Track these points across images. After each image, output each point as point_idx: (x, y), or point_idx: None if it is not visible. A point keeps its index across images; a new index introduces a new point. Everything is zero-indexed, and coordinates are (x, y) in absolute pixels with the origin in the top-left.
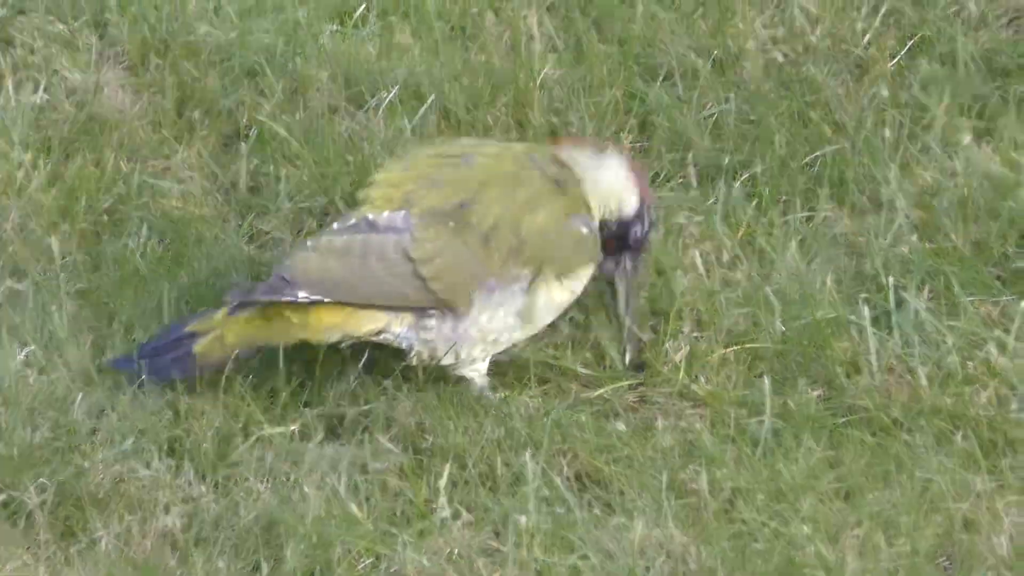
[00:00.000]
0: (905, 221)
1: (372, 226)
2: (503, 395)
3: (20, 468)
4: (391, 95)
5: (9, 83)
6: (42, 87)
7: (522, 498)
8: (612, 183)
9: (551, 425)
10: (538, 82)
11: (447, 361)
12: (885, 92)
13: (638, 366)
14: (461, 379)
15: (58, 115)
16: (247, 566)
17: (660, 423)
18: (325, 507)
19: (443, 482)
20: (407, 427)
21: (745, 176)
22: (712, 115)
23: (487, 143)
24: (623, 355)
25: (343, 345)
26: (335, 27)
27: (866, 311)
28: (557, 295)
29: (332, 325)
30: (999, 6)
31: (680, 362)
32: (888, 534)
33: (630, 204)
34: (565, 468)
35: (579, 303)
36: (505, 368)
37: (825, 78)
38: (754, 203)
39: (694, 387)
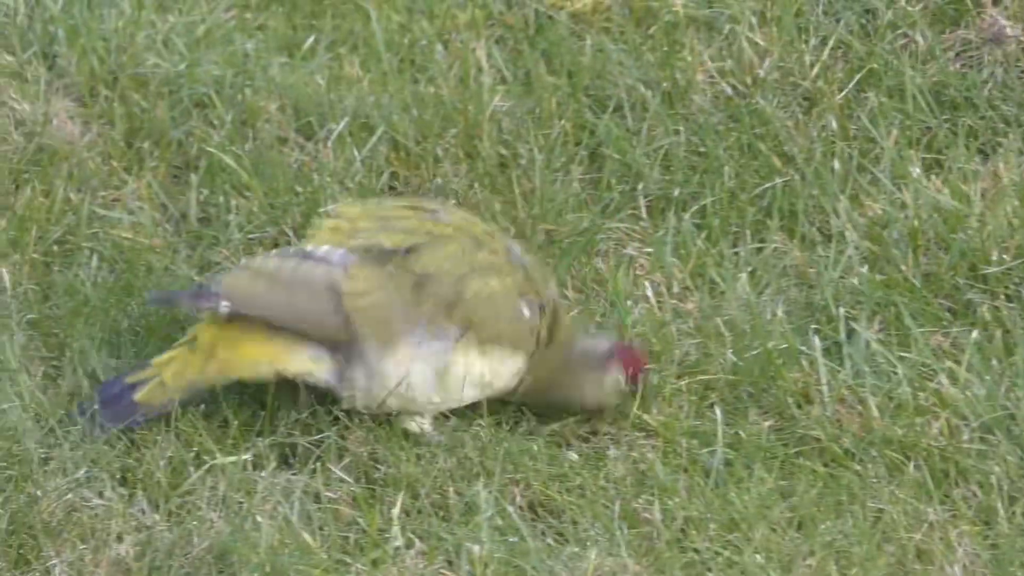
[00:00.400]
0: (855, 252)
1: (307, 255)
2: (453, 424)
3: None
4: (340, 126)
5: None
6: None
7: (475, 527)
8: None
9: (503, 454)
10: (487, 114)
11: (365, 405)
12: (834, 124)
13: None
14: (404, 430)
15: (7, 146)
16: None
17: (612, 452)
18: (278, 536)
19: (396, 511)
20: (359, 457)
21: (695, 208)
22: (662, 147)
23: (460, 209)
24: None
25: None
26: (284, 59)
27: (817, 342)
28: (476, 369)
29: (261, 360)
30: (947, 39)
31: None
32: (841, 564)
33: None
34: (518, 497)
35: None
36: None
37: (774, 110)
38: (704, 234)
39: (646, 417)
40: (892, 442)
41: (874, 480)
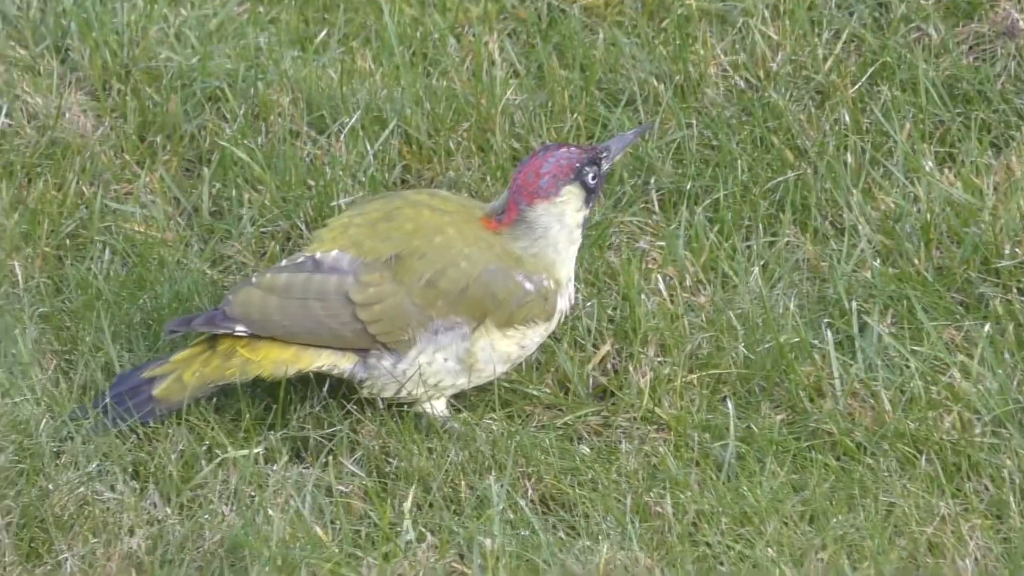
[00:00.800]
0: (868, 246)
1: (317, 265)
2: (465, 417)
3: None
4: (353, 120)
5: None
6: (4, 112)
7: (487, 521)
8: (561, 227)
9: (515, 448)
10: (500, 107)
11: (388, 395)
12: (847, 118)
13: (600, 395)
14: (419, 414)
15: (20, 140)
16: None
17: (624, 446)
18: (290, 530)
19: (408, 505)
20: (371, 450)
21: (707, 201)
22: (674, 140)
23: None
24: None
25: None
26: (296, 52)
27: (829, 335)
28: (502, 345)
29: (283, 360)
30: (960, 33)
31: (644, 386)
32: (853, 558)
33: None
34: (530, 491)
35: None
36: (468, 391)
37: (787, 104)
38: (716, 228)
39: (658, 411)
40: (904, 436)
41: (886, 474)
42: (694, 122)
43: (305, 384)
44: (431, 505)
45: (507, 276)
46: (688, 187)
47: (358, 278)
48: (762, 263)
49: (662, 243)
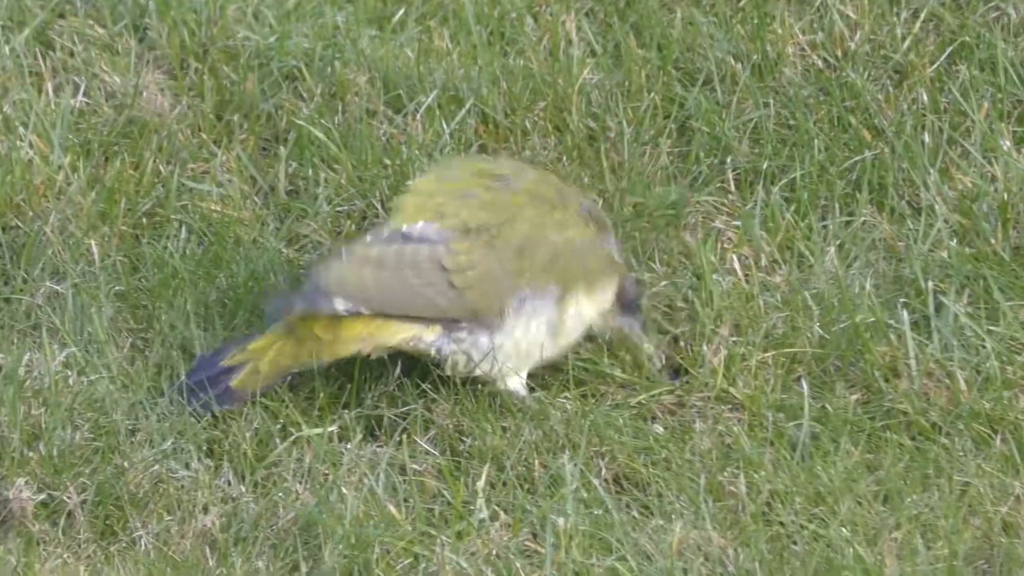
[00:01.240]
0: (944, 226)
1: (406, 237)
2: (539, 396)
3: (60, 468)
4: (429, 99)
5: (49, 86)
6: (82, 90)
7: (560, 500)
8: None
9: (589, 427)
10: (577, 87)
11: (481, 371)
12: (925, 98)
13: (674, 372)
14: (494, 393)
15: (97, 118)
16: (286, 566)
17: (698, 426)
18: (363, 508)
19: (481, 483)
20: (445, 429)
21: (784, 181)
22: (751, 120)
23: (528, 168)
24: (654, 362)
25: (374, 356)
26: (374, 32)
27: (905, 315)
28: (586, 310)
29: (362, 337)
30: None
31: (718, 366)
32: (927, 537)
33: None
34: (603, 470)
35: None
36: (542, 371)
37: (864, 83)
38: (793, 208)
39: (732, 390)
40: (979, 416)
41: (961, 454)
42: (771, 102)
43: (380, 363)
44: (504, 484)
45: (596, 245)
46: (764, 167)
47: (448, 246)
48: (838, 243)
49: (738, 223)
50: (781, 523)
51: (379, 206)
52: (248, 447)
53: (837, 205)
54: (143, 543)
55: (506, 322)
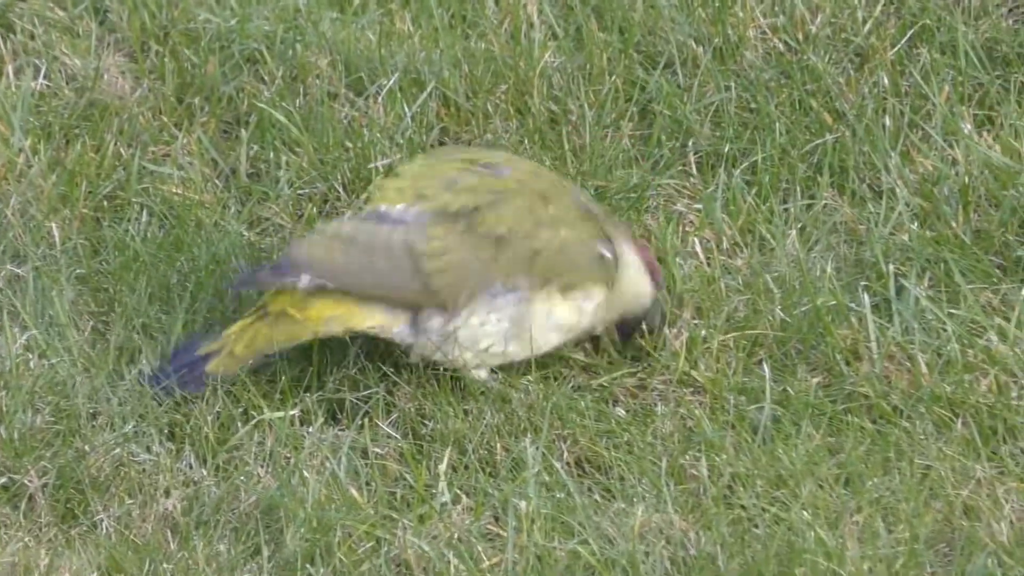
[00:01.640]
0: (905, 209)
1: (382, 217)
2: (500, 378)
3: (21, 451)
4: (391, 82)
5: (9, 69)
6: (42, 73)
7: (522, 483)
8: (632, 283)
9: (551, 410)
10: (538, 70)
11: (438, 359)
12: (886, 81)
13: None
14: (462, 377)
15: (58, 101)
16: (247, 550)
17: (660, 409)
18: (325, 491)
19: (443, 467)
20: (407, 412)
21: (745, 164)
22: (712, 103)
23: (524, 161)
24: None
25: (346, 336)
26: (335, 14)
27: (866, 298)
28: (559, 312)
29: (333, 318)
30: None
31: (680, 348)
32: (888, 520)
33: (646, 299)
34: (565, 453)
35: None
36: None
37: (826, 66)
38: (754, 191)
39: (694, 374)
40: (940, 399)
41: (922, 437)
42: (732, 85)
43: (341, 346)
44: (466, 467)
45: (587, 245)
46: (726, 150)
47: (424, 231)
48: (799, 226)
49: (699, 206)
50: (743, 506)
51: (340, 189)
52: (210, 430)
53: (798, 188)
54: (104, 527)
55: (464, 312)
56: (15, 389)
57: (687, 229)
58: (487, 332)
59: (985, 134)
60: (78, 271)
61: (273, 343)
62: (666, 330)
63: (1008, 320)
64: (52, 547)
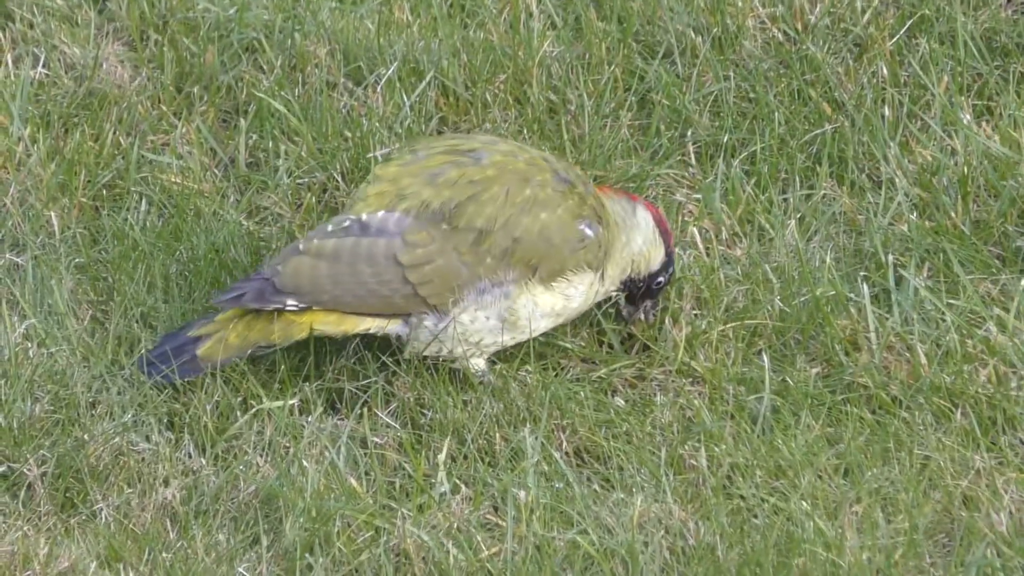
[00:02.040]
0: (905, 199)
1: (363, 228)
2: (500, 369)
3: (20, 440)
4: (390, 71)
5: (8, 58)
6: (41, 62)
7: (521, 473)
8: (645, 242)
9: (550, 400)
10: (537, 60)
11: (431, 353)
12: (885, 71)
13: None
14: (459, 370)
15: (57, 90)
16: (246, 539)
17: (659, 399)
18: (324, 481)
19: (442, 457)
20: (406, 402)
21: (744, 154)
22: (711, 93)
23: (503, 141)
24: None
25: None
26: (334, 3)
27: (865, 289)
28: (545, 300)
29: (328, 323)
30: None
31: (679, 339)
32: (887, 511)
33: (658, 259)
34: (564, 443)
35: None
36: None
37: (825, 56)
38: (753, 181)
39: (693, 364)
40: (940, 389)
41: (921, 427)
42: (731, 75)
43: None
44: (465, 457)
45: (567, 225)
46: (725, 140)
47: (405, 239)
48: (798, 216)
49: (698, 196)
50: (742, 496)
51: (339, 178)
52: (209, 420)
53: (797, 178)
54: (103, 516)
55: (455, 311)
56: (14, 378)
57: (686, 219)
58: (477, 328)
59: (984, 124)
60: (77, 260)
61: (268, 339)
62: (666, 321)
63: (1007, 310)
64: (51, 536)
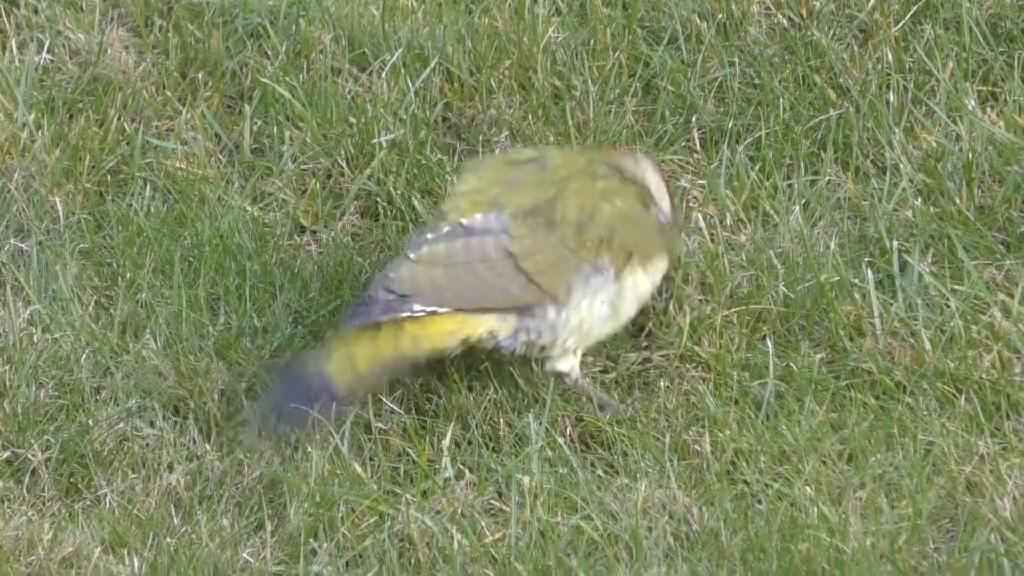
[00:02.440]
0: (909, 185)
1: (468, 230)
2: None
3: (25, 426)
4: (394, 57)
5: (13, 43)
6: (46, 47)
7: (525, 459)
8: (656, 188)
9: (554, 386)
10: (542, 45)
11: (547, 352)
12: (890, 57)
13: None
14: (556, 374)
15: (62, 75)
16: (250, 524)
17: (663, 385)
18: (329, 467)
19: (447, 442)
20: (411, 388)
21: (749, 140)
22: (716, 79)
23: (550, 148)
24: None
25: (458, 352)
26: None
27: (870, 274)
28: (642, 283)
29: (450, 331)
30: None
31: (684, 325)
32: (891, 496)
33: (667, 205)
34: (568, 429)
35: None
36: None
37: (830, 42)
38: (758, 167)
39: (697, 349)
40: (944, 375)
41: (925, 413)
42: (736, 61)
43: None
44: (470, 442)
45: (646, 212)
46: (730, 126)
47: (511, 233)
48: (803, 202)
49: (703, 182)
50: (746, 482)
51: (344, 164)
52: (214, 406)
53: (802, 164)
54: (108, 501)
55: (572, 299)
56: (19, 363)
57: (691, 205)
58: (593, 315)
59: (989, 110)
60: (82, 246)
61: (398, 355)
62: (671, 306)
63: (1012, 296)
64: (56, 521)
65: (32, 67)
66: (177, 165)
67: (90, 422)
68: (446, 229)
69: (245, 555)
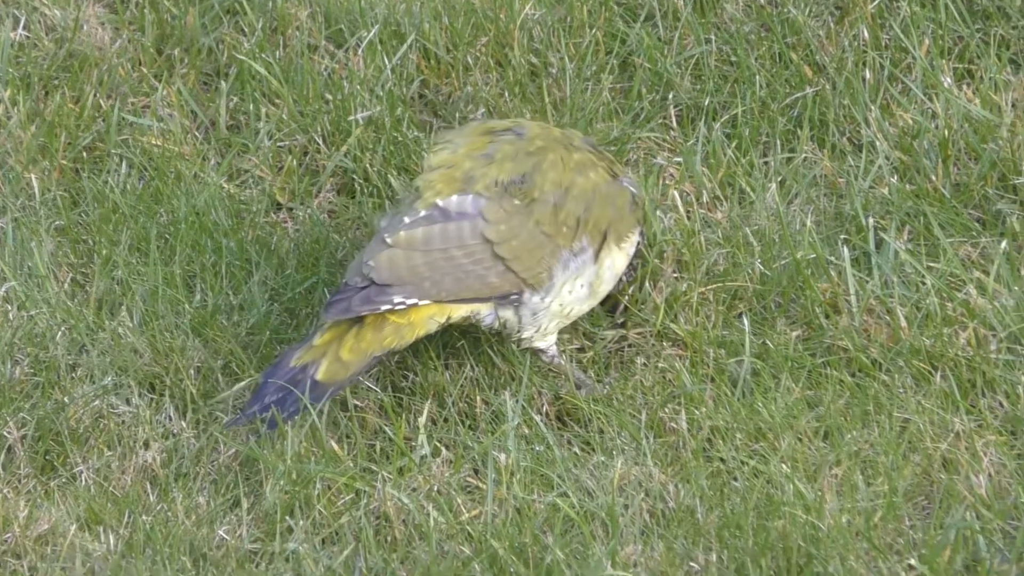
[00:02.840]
0: (885, 163)
1: (444, 214)
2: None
3: (0, 403)
4: (371, 34)
5: None
6: (22, 23)
7: (501, 436)
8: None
9: (530, 363)
10: (518, 22)
11: (527, 335)
12: (866, 34)
13: (613, 307)
14: (533, 351)
15: (38, 52)
16: (227, 502)
17: (640, 363)
18: (305, 444)
19: (423, 420)
20: (387, 365)
21: (725, 117)
22: (693, 56)
23: (521, 120)
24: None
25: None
26: None
27: (846, 252)
28: (619, 261)
29: (430, 316)
30: None
31: (660, 302)
32: (866, 473)
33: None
34: (545, 407)
35: None
36: None
37: (806, 19)
38: (734, 144)
39: (673, 327)
40: (919, 352)
41: (901, 390)
42: (713, 38)
43: (322, 301)
44: (446, 420)
45: (618, 185)
46: (706, 103)
47: (486, 217)
48: (779, 179)
49: (679, 159)
50: (722, 459)
51: (320, 141)
52: (190, 383)
53: (778, 141)
54: (83, 478)
55: (555, 284)
56: None
57: (667, 182)
58: (575, 298)
59: (965, 87)
60: (57, 223)
61: (382, 346)
62: (647, 284)
63: (987, 274)
64: (31, 498)
65: (7, 43)
66: (153, 142)
67: (66, 399)
68: (423, 212)
69: (221, 532)
